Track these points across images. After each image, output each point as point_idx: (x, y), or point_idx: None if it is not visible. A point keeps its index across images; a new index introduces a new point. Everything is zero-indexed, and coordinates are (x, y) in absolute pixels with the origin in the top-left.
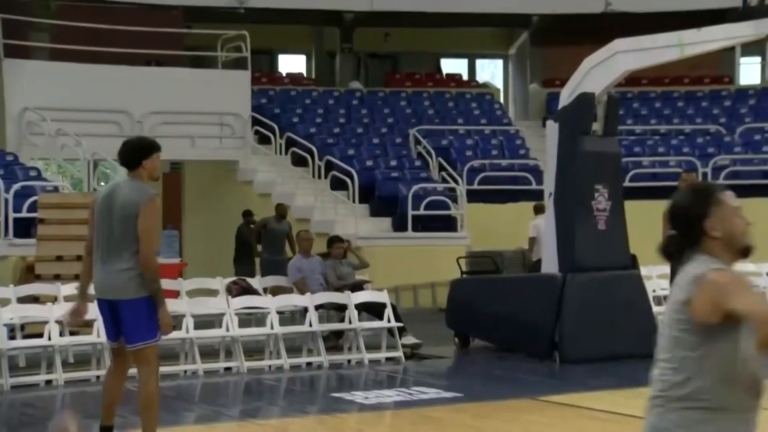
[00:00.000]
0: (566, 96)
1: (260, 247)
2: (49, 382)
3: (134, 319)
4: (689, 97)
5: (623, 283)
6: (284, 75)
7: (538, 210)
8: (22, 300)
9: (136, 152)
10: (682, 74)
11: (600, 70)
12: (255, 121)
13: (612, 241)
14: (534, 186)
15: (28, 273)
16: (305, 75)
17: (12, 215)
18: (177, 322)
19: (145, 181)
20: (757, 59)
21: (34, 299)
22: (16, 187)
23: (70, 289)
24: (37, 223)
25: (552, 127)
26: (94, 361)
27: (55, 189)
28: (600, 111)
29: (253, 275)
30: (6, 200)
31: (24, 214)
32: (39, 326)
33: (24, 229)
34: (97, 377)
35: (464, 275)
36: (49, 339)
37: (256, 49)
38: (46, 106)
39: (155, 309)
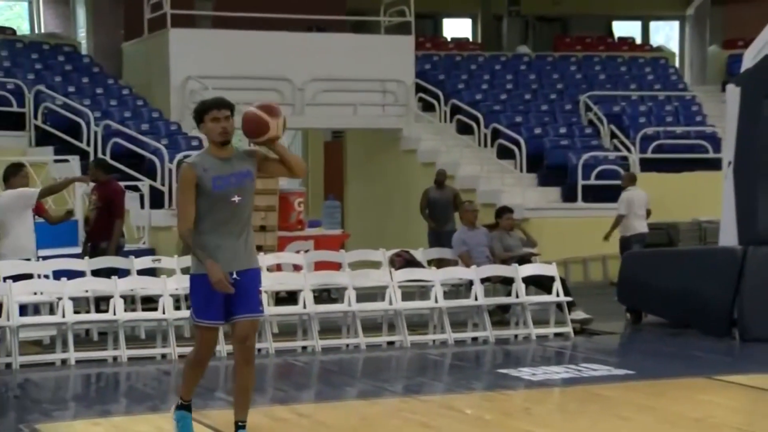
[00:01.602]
0: (751, 57)
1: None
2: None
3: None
4: None
5: None
6: (449, 40)
7: (629, 181)
8: (186, 271)
9: (194, 119)
10: None
11: None
12: (419, 88)
13: None
14: (711, 154)
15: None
16: (471, 39)
17: (175, 185)
18: (339, 294)
19: (211, 146)
20: None
21: None
22: (178, 156)
23: None
24: None
25: (733, 91)
26: (255, 334)
27: None
28: None
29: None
30: (170, 170)
31: None
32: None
33: None
34: (259, 350)
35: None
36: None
37: (419, 13)
38: (209, 74)
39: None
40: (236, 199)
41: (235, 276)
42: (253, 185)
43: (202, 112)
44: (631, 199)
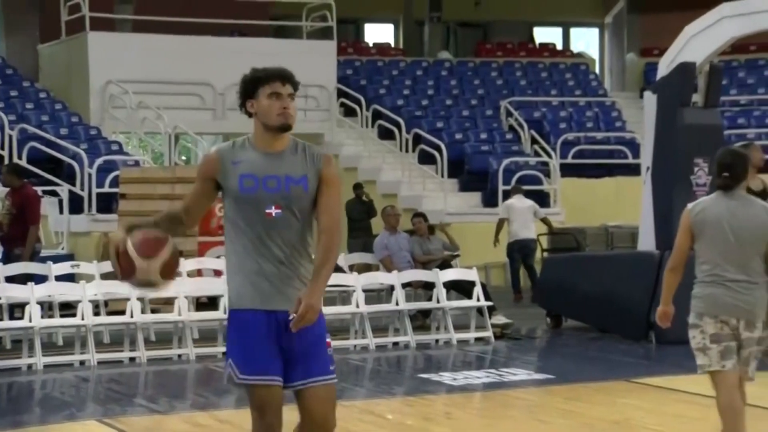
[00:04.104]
0: (665, 66)
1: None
2: (132, 359)
3: None
4: None
5: None
6: (371, 45)
7: (515, 192)
8: (105, 276)
9: (240, 93)
10: None
11: (703, 38)
12: (340, 93)
13: None
14: (630, 160)
15: None
16: (392, 45)
17: (95, 190)
18: None
19: (257, 133)
20: None
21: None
22: (98, 161)
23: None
24: (118, 198)
25: (650, 98)
26: (175, 340)
27: (136, 163)
28: (701, 81)
29: (369, 249)
30: (89, 175)
31: (106, 189)
32: (121, 303)
33: (106, 204)
34: (179, 356)
35: (545, 253)
36: (131, 316)
37: (341, 19)
38: (129, 78)
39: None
40: (273, 211)
41: (293, 315)
42: (307, 197)
43: (256, 82)
44: (510, 206)
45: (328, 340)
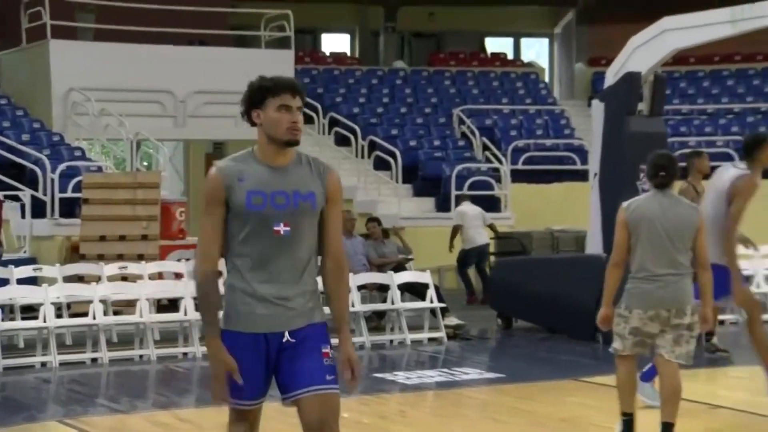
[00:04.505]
0: (612, 75)
1: None
2: (94, 360)
3: None
4: (740, 75)
5: None
6: (327, 54)
7: (463, 199)
8: (68, 279)
9: (245, 103)
10: (732, 52)
11: (647, 49)
12: None
13: None
14: (579, 166)
15: (73, 252)
16: (349, 54)
17: (57, 195)
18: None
19: (261, 145)
20: None
21: (79, 278)
22: (61, 167)
23: (113, 268)
24: (81, 203)
25: (597, 106)
26: (137, 341)
27: (99, 169)
28: (646, 90)
29: None
30: (52, 180)
31: (69, 194)
32: (84, 305)
33: (69, 209)
34: (140, 356)
35: (492, 257)
36: (94, 318)
37: (299, 29)
38: (91, 86)
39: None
40: (282, 228)
41: (287, 338)
42: (315, 214)
43: (265, 92)
44: (464, 213)
45: (326, 350)
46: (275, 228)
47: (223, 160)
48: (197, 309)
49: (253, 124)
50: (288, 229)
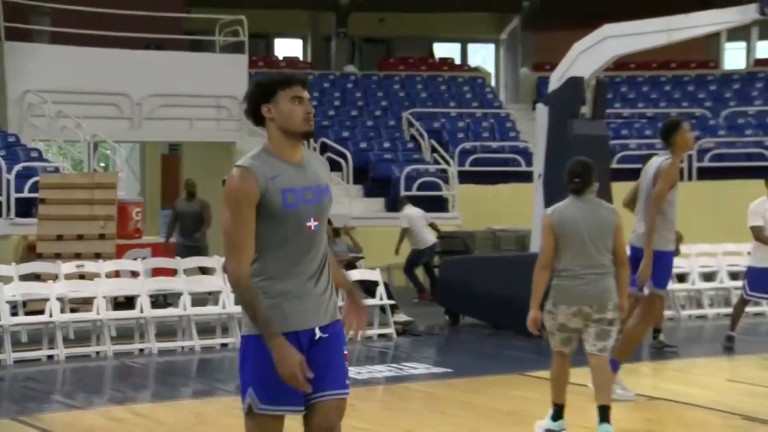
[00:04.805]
0: (556, 80)
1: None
2: (50, 357)
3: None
4: (676, 81)
5: None
6: (281, 59)
7: (405, 202)
8: (24, 278)
9: (251, 99)
10: (669, 59)
11: (589, 55)
12: None
13: None
14: (524, 168)
15: (30, 252)
16: (301, 59)
17: (14, 195)
18: (174, 299)
19: (276, 141)
20: (742, 44)
21: (36, 277)
22: (17, 167)
23: (71, 267)
24: (38, 203)
25: (542, 110)
26: (94, 338)
27: (56, 170)
28: (589, 95)
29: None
30: (8, 180)
31: (25, 195)
32: (40, 303)
33: (25, 209)
34: (97, 353)
35: (436, 256)
36: (50, 316)
37: (253, 34)
38: (47, 88)
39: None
40: (312, 224)
41: (319, 334)
42: (330, 206)
43: (276, 86)
44: (411, 216)
45: (346, 351)
46: (307, 224)
47: (246, 160)
48: (153, 306)
49: (258, 123)
50: (317, 223)
